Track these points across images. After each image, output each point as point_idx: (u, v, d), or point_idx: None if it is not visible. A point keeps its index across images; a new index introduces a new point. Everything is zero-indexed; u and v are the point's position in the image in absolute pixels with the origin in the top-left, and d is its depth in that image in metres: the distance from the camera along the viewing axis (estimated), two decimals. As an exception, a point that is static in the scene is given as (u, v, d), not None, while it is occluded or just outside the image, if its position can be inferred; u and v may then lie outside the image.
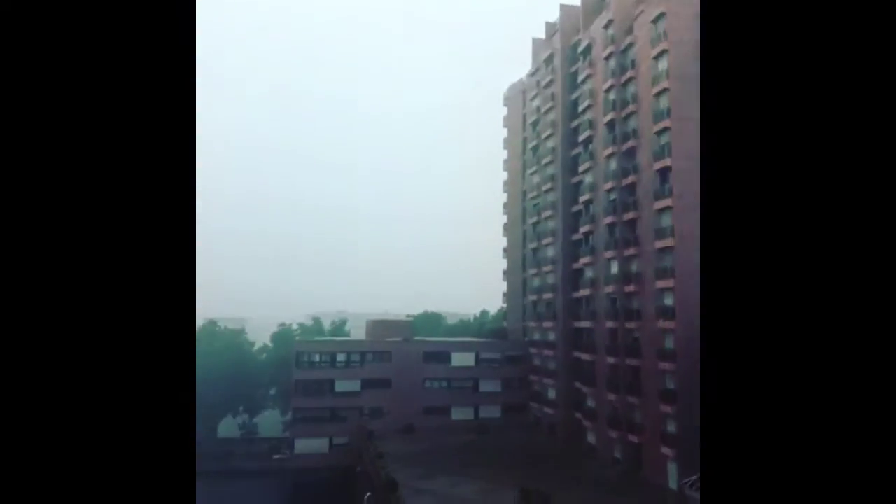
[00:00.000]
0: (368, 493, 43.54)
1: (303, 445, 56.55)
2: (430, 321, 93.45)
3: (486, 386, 60.83)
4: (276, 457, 66.56)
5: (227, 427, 77.16)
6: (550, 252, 57.63)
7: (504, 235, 73.26)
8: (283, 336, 78.51)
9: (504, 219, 73.52)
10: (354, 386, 58.21)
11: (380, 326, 65.13)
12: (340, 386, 58.09)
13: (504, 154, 74.31)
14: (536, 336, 60.05)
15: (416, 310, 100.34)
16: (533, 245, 61.81)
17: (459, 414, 59.17)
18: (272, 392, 77.24)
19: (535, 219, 61.43)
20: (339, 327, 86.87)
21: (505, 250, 72.76)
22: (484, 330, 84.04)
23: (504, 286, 72.71)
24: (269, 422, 79.27)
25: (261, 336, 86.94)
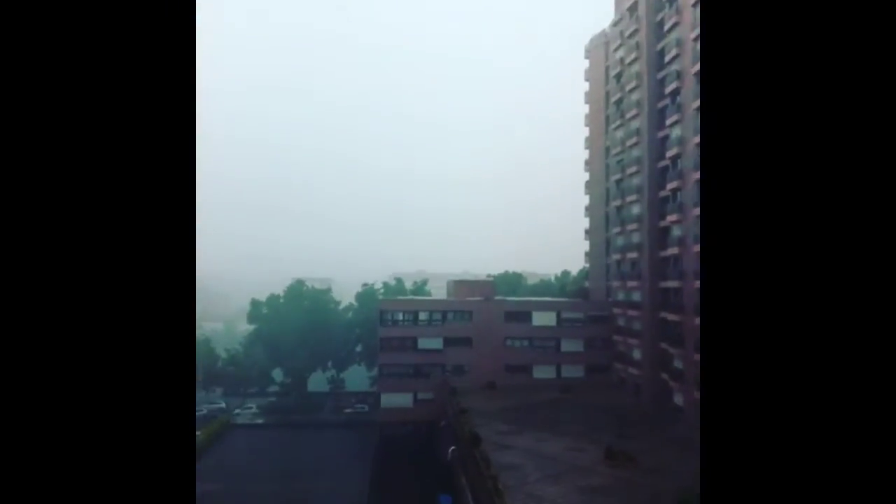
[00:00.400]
0: (452, 447, 44.72)
1: (388, 400, 58.57)
2: (511, 281, 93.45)
3: (569, 346, 60.61)
4: (347, 410, 69.49)
5: (317, 382, 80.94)
6: (635, 210, 55.85)
7: (586, 193, 71.58)
8: (366, 295, 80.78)
9: (586, 176, 71.71)
10: (437, 344, 59.44)
11: (461, 286, 65.80)
12: (423, 343, 59.46)
13: (586, 109, 72.02)
14: (620, 296, 58.87)
15: (497, 270, 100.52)
16: (617, 203, 60.07)
17: (541, 373, 59.41)
18: (358, 349, 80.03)
19: (618, 175, 59.52)
20: (421, 287, 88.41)
21: (587, 209, 71.17)
22: (565, 290, 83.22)
23: (586, 245, 71.41)
24: (356, 377, 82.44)
25: (346, 295, 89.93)
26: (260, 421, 68.96)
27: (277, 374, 78.75)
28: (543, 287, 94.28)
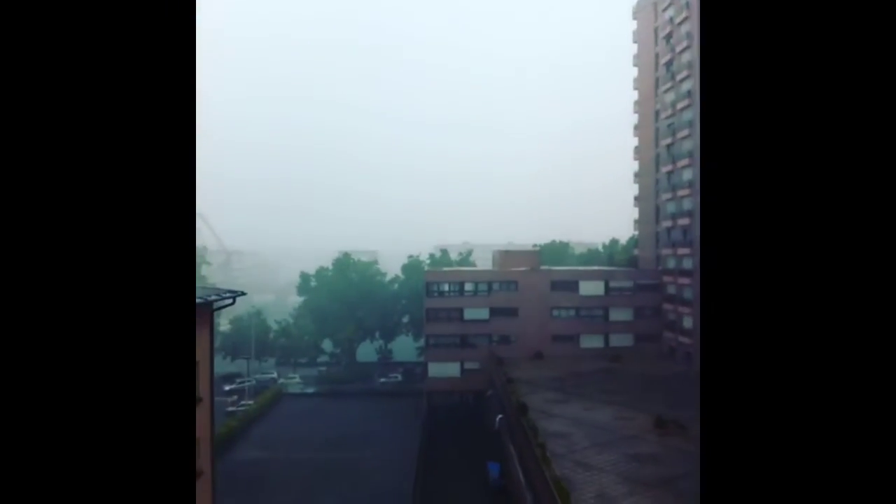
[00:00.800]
0: (500, 416, 44.73)
1: (435, 370, 58.96)
2: (558, 251, 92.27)
3: (617, 315, 59.56)
4: (382, 380, 70.38)
5: (365, 352, 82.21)
6: (687, 175, 53.89)
7: (635, 159, 69.45)
8: (412, 267, 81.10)
9: (635, 141, 69.51)
10: (482, 314, 59.28)
11: (506, 256, 65.18)
12: (469, 314, 59.40)
13: (634, 72, 69.49)
14: (671, 264, 57.27)
15: (543, 240, 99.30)
16: (667, 168, 58.08)
17: (589, 342, 58.68)
18: (405, 320, 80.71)
19: (669, 140, 57.42)
20: (466, 258, 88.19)
21: (636, 175, 69.10)
22: (614, 259, 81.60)
23: (635, 213, 69.56)
24: (403, 347, 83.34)
25: (392, 267, 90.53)
26: (311, 390, 70.61)
27: (327, 344, 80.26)
28: (591, 256, 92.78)
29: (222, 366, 65.57)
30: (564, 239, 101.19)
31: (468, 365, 58.85)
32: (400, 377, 71.91)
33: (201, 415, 20.75)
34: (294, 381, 72.44)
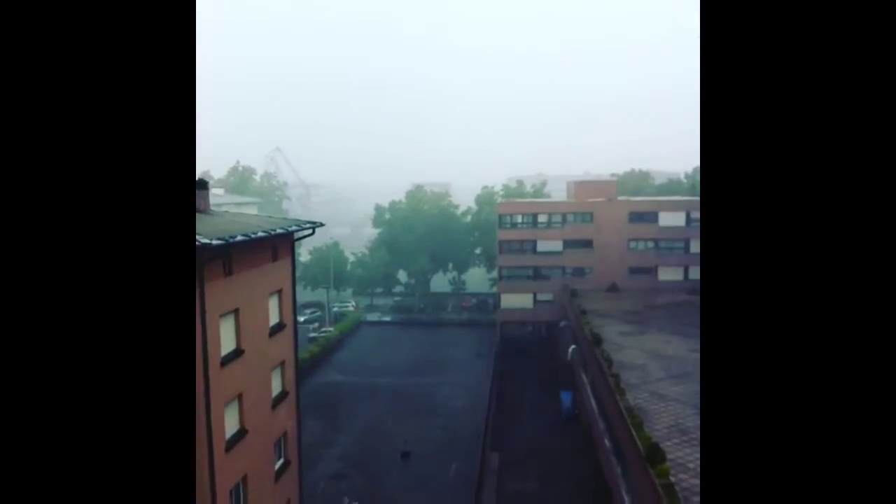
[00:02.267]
0: (573, 346, 44.77)
1: (508, 300, 59.29)
2: (636, 181, 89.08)
3: (698, 247, 57.36)
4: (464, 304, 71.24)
5: (439, 283, 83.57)
6: (781, 96, 50.00)
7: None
8: (485, 198, 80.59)
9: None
10: (556, 246, 58.55)
11: (581, 187, 63.46)
12: (542, 246, 58.81)
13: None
14: (758, 193, 54.18)
15: (622, 169, 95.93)
16: (758, 89, 54.07)
17: (667, 275, 57.08)
18: (478, 251, 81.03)
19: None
20: (539, 189, 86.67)
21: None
22: (696, 189, 77.89)
23: (721, 139, 65.63)
24: (476, 278, 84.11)
25: (464, 199, 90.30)
26: (388, 319, 72.93)
27: (402, 275, 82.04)
28: (672, 186, 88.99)
29: (303, 295, 68.51)
30: (645, 168, 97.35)
31: (541, 297, 58.77)
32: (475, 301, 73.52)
33: (285, 340, 21.78)
34: (375, 312, 74.97)
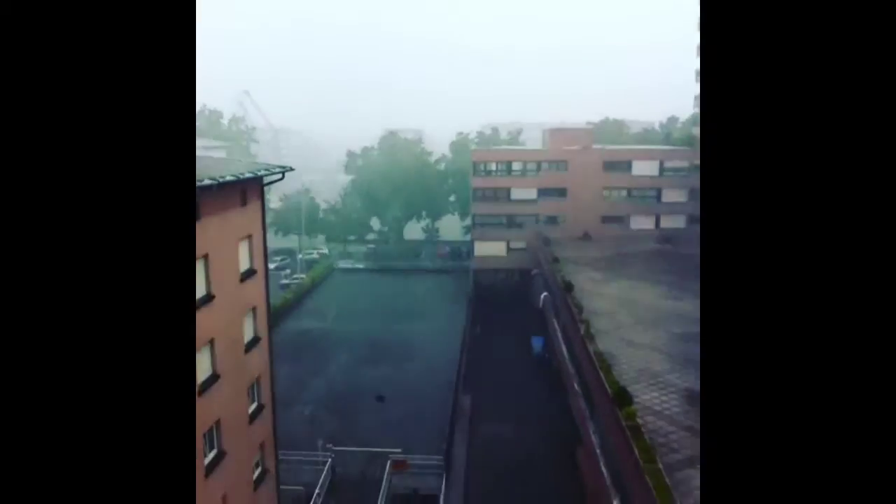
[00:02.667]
0: (545, 293, 45.37)
1: (482, 248, 59.50)
2: (612, 130, 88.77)
3: (670, 196, 57.94)
4: (439, 253, 71.41)
5: (412, 230, 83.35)
6: (757, 44, 49.71)
7: (698, 30, 64.25)
8: (460, 145, 79.72)
9: (697, 8, 63.91)
10: (530, 194, 58.53)
11: (557, 135, 63.06)
12: (516, 194, 58.74)
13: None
14: (731, 143, 54.47)
15: (597, 118, 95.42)
16: (736, 37, 53.62)
17: (639, 223, 57.70)
18: (452, 199, 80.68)
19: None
20: (515, 137, 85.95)
21: (699, 46, 64.26)
22: (671, 138, 78.17)
23: (696, 88, 65.49)
24: (450, 226, 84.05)
25: (438, 146, 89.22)
26: (361, 266, 72.80)
27: (375, 223, 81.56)
28: (647, 135, 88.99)
29: (274, 242, 67.76)
30: (620, 117, 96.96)
31: (514, 244, 59.05)
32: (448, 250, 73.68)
33: (256, 285, 21.52)
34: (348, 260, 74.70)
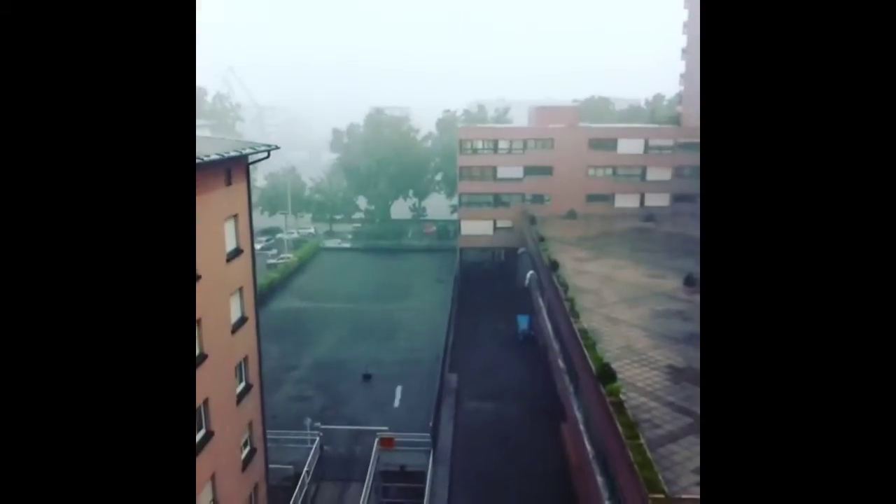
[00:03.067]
0: (531, 272, 45.68)
1: (468, 227, 59.59)
2: (598, 107, 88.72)
3: (655, 174, 58.21)
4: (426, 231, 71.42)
5: (399, 209, 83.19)
6: (743, 22, 49.65)
7: (685, 7, 64.08)
8: (446, 123, 79.33)
9: (688, -15, 63.62)
10: (517, 173, 58.52)
11: (543, 113, 62.94)
12: (502, 172, 58.68)
13: None
14: (716, 121, 54.64)
15: (583, 96, 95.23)
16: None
17: (624, 202, 58.00)
18: (438, 177, 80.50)
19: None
20: (502, 114, 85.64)
21: (685, 25, 64.14)
22: (656, 116, 78.35)
23: (682, 66, 65.46)
24: (437, 205, 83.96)
25: (425, 124, 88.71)
26: (347, 245, 72.70)
27: (362, 202, 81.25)
28: (633, 113, 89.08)
29: (260, 221, 67.43)
30: (606, 95, 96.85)
31: (501, 223, 59.17)
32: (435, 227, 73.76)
33: (243, 265, 21.53)
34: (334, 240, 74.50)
